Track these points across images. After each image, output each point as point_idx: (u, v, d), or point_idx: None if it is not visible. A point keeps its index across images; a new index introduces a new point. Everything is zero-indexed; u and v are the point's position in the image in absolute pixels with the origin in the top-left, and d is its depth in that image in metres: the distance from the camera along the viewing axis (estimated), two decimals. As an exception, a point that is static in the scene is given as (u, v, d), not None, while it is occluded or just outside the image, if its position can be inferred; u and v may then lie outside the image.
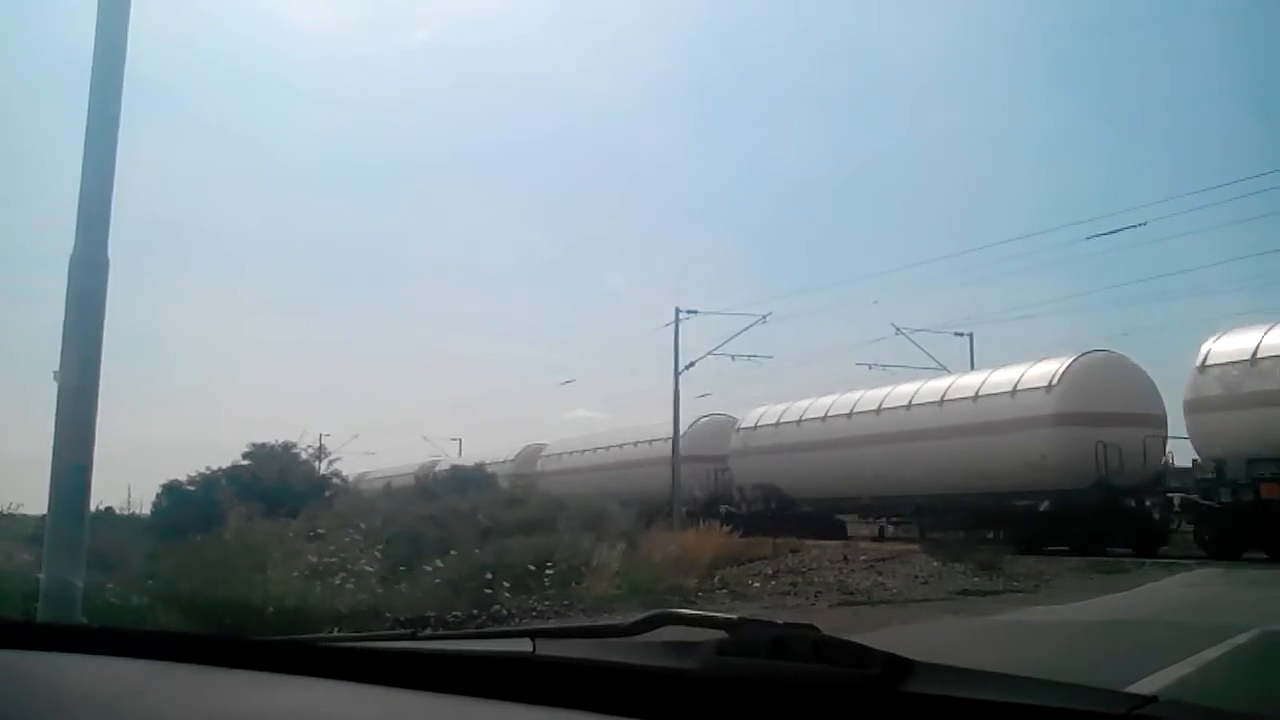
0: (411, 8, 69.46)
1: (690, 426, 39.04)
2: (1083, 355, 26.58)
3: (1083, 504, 24.40)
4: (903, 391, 31.25)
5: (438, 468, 45.23)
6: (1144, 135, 68.30)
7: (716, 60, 75.62)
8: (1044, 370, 26.70)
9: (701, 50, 73.89)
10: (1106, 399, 25.62)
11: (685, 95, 77.69)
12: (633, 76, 78.13)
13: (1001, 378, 27.94)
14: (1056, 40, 66.95)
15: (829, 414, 33.32)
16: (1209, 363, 23.00)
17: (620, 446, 43.90)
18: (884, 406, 31.06)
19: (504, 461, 50.32)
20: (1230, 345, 22.84)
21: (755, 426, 36.90)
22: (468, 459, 49.75)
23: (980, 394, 28.03)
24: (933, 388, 30.52)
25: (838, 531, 33.34)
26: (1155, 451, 25.35)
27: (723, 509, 35.15)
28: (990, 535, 25.16)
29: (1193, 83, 64.44)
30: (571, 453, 48.50)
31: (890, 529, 33.51)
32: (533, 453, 52.37)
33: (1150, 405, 26.09)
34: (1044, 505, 25.31)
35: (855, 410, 32.25)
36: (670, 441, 37.30)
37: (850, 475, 30.84)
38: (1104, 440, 24.53)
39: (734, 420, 39.31)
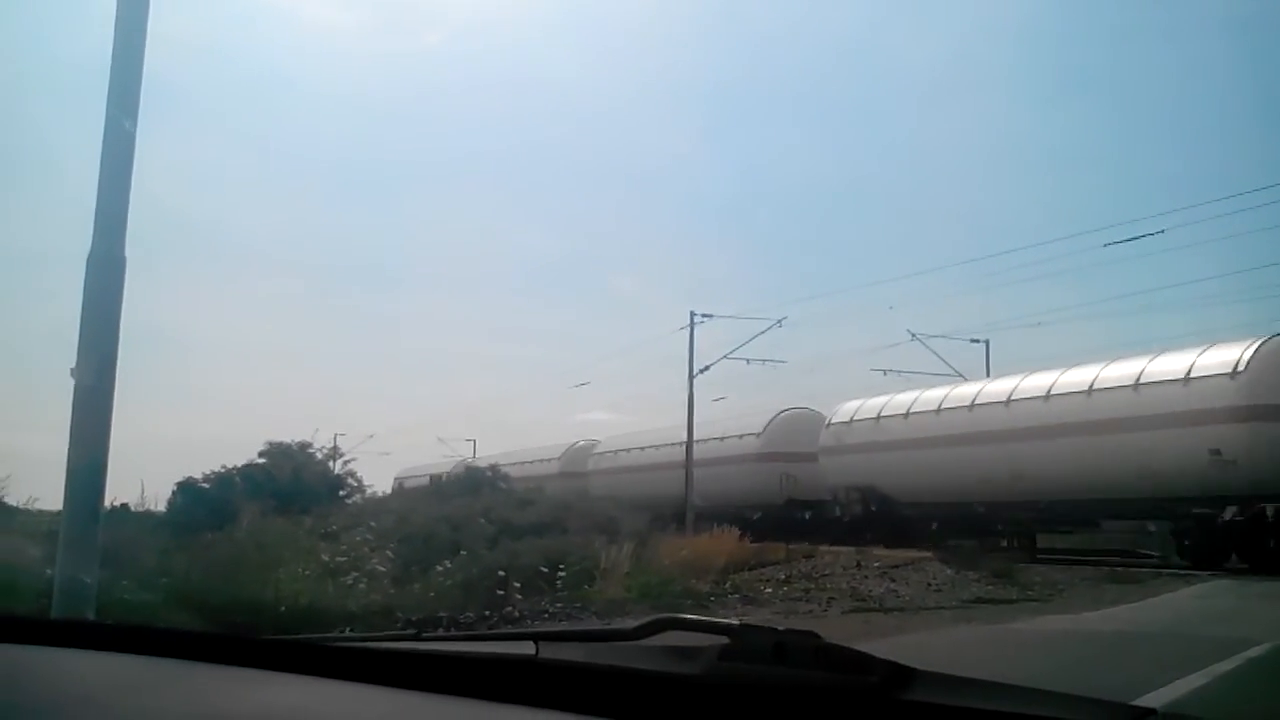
0: (420, 10, 69.62)
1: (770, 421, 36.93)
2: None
3: None
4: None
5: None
6: (1156, 144, 67.97)
7: (727, 63, 75.53)
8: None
9: (712, 52, 73.73)
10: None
11: (696, 98, 77.65)
12: (643, 80, 78.06)
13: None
14: (1068, 49, 66.70)
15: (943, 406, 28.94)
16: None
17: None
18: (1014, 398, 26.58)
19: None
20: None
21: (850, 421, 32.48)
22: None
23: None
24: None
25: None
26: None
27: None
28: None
29: (1203, 93, 64.07)
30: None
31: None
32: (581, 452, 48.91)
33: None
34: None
35: (978, 402, 27.61)
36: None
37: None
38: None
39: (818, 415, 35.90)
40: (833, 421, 32.95)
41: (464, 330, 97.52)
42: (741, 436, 37.29)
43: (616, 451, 45.41)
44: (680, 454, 36.78)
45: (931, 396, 29.44)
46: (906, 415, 29.65)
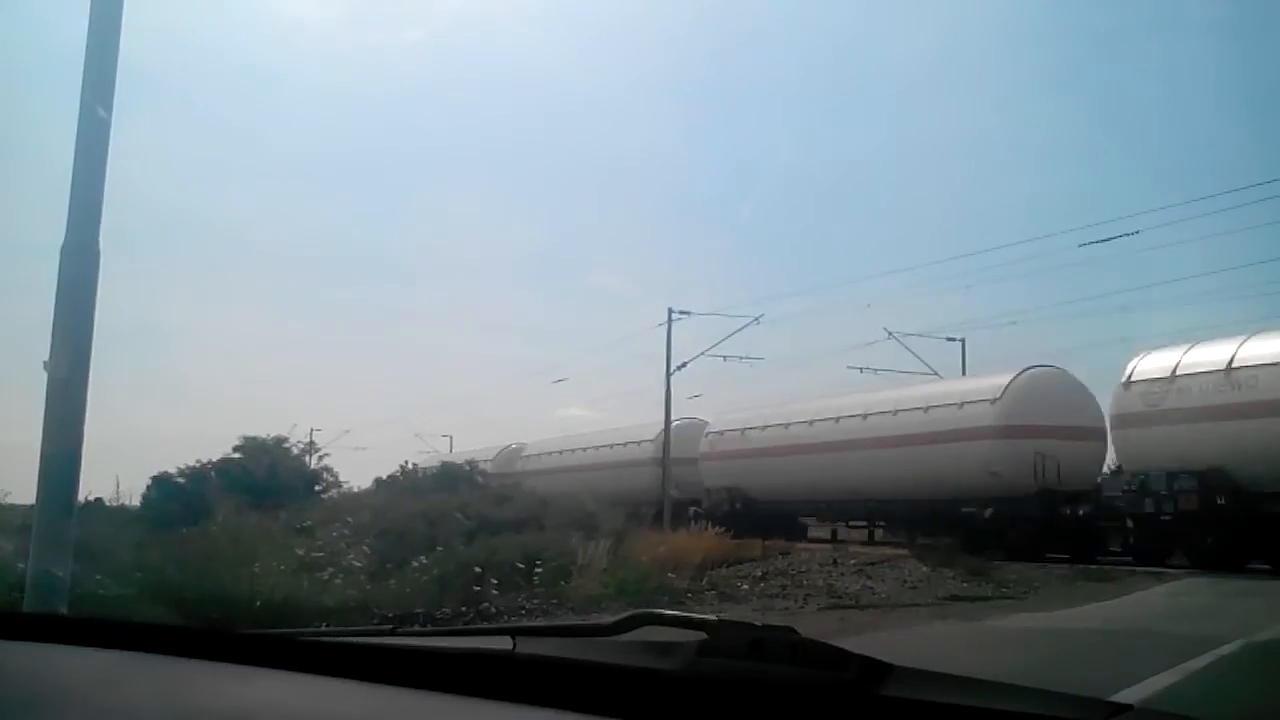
0: (402, 5, 69.23)
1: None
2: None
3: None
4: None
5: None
6: (1138, 142, 68.39)
7: (709, 58, 75.36)
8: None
9: (693, 48, 73.73)
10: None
11: (677, 94, 77.55)
12: (624, 75, 77.95)
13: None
14: (1051, 46, 67.05)
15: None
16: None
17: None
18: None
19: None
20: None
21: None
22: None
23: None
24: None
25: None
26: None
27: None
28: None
29: (1187, 92, 64.50)
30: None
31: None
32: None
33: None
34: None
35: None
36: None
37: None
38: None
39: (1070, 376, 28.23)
40: (1135, 379, 23.17)
41: (442, 325, 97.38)
42: (961, 405, 27.12)
43: (743, 430, 34.31)
44: (867, 428, 29.45)
45: None
46: None
